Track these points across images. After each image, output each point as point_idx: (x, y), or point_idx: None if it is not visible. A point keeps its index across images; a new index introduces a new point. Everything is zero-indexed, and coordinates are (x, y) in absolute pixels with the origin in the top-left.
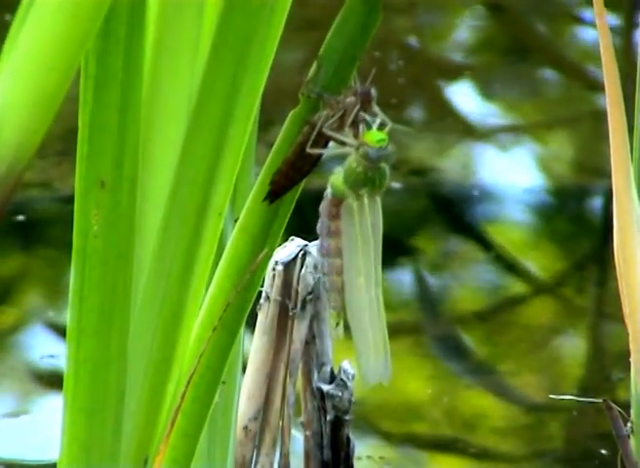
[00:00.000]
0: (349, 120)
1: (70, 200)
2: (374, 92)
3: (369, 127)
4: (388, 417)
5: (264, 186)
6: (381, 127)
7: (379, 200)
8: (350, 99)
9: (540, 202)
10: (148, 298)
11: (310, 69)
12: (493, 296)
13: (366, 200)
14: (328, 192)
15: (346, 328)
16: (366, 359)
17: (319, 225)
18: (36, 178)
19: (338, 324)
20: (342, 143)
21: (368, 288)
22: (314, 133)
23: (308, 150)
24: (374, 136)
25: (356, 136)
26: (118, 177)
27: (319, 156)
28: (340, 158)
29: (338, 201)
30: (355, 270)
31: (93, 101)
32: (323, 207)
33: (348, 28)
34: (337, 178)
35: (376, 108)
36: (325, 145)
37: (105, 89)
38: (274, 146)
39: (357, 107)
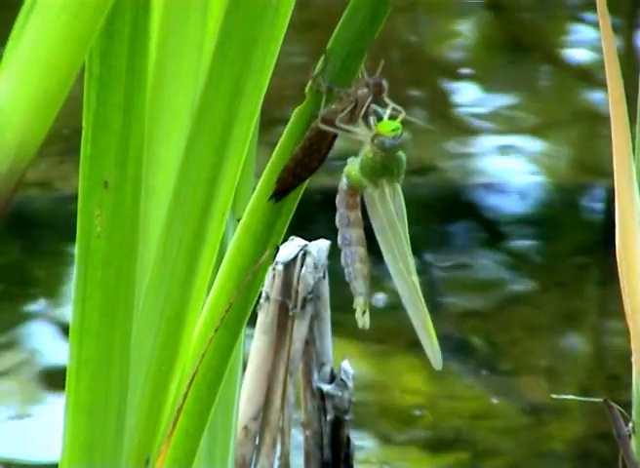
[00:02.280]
0: (362, 112)
1: (71, 200)
2: (385, 82)
3: (379, 117)
4: (388, 417)
5: (268, 185)
6: (393, 116)
7: (399, 187)
8: (362, 91)
9: (541, 200)
10: (151, 298)
11: (317, 64)
12: (494, 295)
13: (386, 188)
14: (343, 183)
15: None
16: (432, 341)
17: (337, 218)
18: (37, 178)
19: (364, 312)
20: (355, 135)
21: (408, 272)
22: (325, 126)
23: (317, 145)
24: (388, 126)
25: (368, 126)
26: (122, 178)
27: (327, 152)
28: (344, 157)
29: (354, 191)
30: (393, 258)
31: (97, 102)
32: (339, 199)
33: (357, 20)
34: (352, 169)
35: (387, 99)
36: (332, 140)
37: (109, 89)
38: (279, 143)
39: (370, 99)
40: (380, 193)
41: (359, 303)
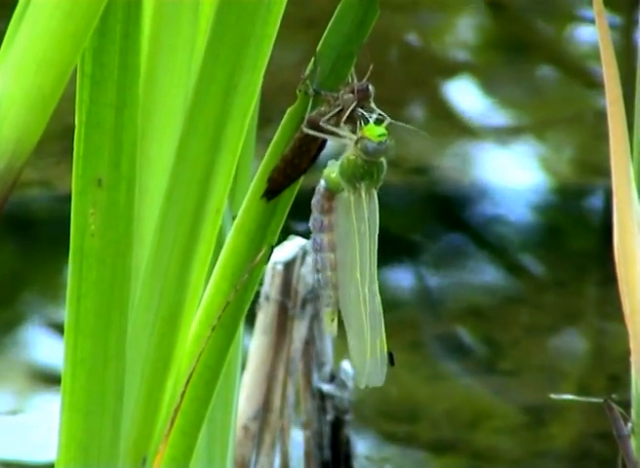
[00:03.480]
0: (345, 116)
1: (68, 199)
2: (371, 88)
3: (366, 122)
4: (388, 417)
5: (262, 183)
6: (379, 122)
7: (375, 193)
8: (348, 96)
9: (541, 200)
10: (146, 297)
11: (307, 66)
12: (492, 295)
13: (363, 193)
14: (321, 186)
15: (341, 324)
16: (361, 360)
17: (311, 221)
18: (35, 177)
19: (332, 320)
20: (341, 138)
21: (363, 284)
22: (312, 129)
23: (306, 146)
24: (374, 131)
25: (353, 131)
26: (115, 176)
27: (317, 153)
28: (339, 154)
29: (330, 194)
30: (351, 265)
31: (89, 100)
32: (315, 201)
33: (345, 25)
34: (331, 171)
35: (373, 105)
36: (323, 142)
37: (102, 87)
38: (271, 143)
39: (355, 104)
40: (356, 197)
41: (327, 313)
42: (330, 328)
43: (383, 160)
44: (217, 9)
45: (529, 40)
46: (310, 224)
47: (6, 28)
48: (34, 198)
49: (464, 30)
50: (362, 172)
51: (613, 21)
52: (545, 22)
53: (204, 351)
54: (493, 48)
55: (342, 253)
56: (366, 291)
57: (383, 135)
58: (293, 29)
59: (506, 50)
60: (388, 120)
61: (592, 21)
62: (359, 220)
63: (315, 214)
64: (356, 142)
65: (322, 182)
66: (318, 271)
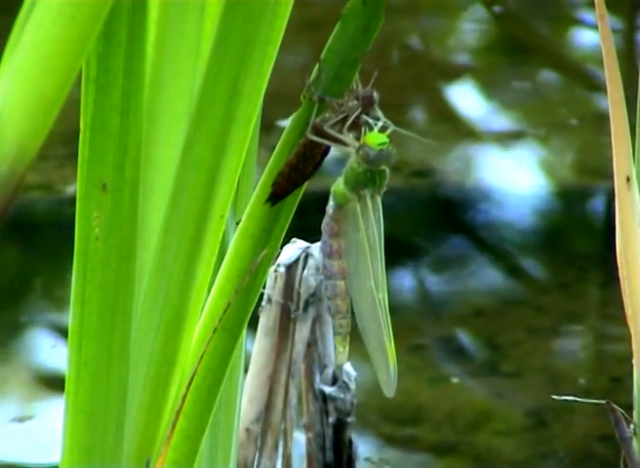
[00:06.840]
0: (349, 123)
1: (72, 202)
2: (376, 95)
3: (371, 129)
4: (390, 420)
5: (266, 189)
6: (383, 129)
7: (379, 200)
8: (352, 103)
9: (542, 203)
10: (150, 301)
11: (312, 72)
12: (494, 298)
13: (368, 200)
14: (330, 205)
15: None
16: (385, 368)
17: (321, 245)
18: (38, 181)
19: (344, 347)
20: (344, 145)
21: (377, 291)
22: (316, 135)
23: (310, 152)
24: (375, 139)
25: (358, 138)
26: (120, 180)
27: (321, 159)
28: (343, 160)
29: (339, 215)
30: (364, 274)
31: (94, 104)
32: (325, 223)
33: (350, 31)
34: (337, 186)
35: (378, 111)
36: (327, 148)
37: (107, 92)
38: (276, 149)
39: (359, 111)
40: (362, 205)
41: (338, 340)
42: (341, 355)
43: (386, 168)
44: (222, 13)
45: (530, 43)
46: (320, 248)
47: (9, 34)
48: (37, 201)
49: (466, 34)
50: (365, 179)
51: (614, 25)
52: (546, 26)
53: (207, 354)
54: (494, 51)
55: (355, 261)
56: (380, 297)
57: (384, 143)
58: (294, 32)
59: (508, 53)
60: (392, 127)
61: (593, 25)
62: (367, 228)
63: (324, 238)
64: (357, 150)
65: (330, 202)
66: (329, 298)
